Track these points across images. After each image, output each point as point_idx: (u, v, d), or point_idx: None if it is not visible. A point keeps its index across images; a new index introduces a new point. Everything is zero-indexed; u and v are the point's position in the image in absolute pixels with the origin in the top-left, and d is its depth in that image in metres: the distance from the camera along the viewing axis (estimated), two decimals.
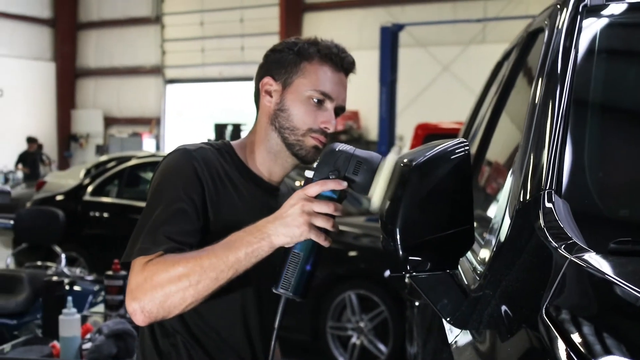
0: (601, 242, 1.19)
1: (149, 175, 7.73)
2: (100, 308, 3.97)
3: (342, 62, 1.67)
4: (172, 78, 22.42)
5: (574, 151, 1.47)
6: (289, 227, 1.44)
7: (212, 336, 1.66)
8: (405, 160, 1.33)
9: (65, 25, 23.01)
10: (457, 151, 1.33)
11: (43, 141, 19.87)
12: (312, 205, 1.44)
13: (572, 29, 1.67)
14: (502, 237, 1.48)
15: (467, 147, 1.35)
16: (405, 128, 13.44)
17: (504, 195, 1.66)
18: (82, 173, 10.83)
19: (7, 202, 4.52)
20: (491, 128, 2.42)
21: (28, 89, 22.15)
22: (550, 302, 1.08)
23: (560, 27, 1.72)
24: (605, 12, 1.75)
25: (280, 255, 1.49)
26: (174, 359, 1.65)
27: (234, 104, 20.55)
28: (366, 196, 1.45)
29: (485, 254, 1.62)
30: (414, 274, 1.32)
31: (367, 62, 11.89)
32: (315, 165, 1.52)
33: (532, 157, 1.50)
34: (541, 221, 1.30)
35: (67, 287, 4.18)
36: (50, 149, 21.46)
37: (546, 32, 1.81)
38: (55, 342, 3.38)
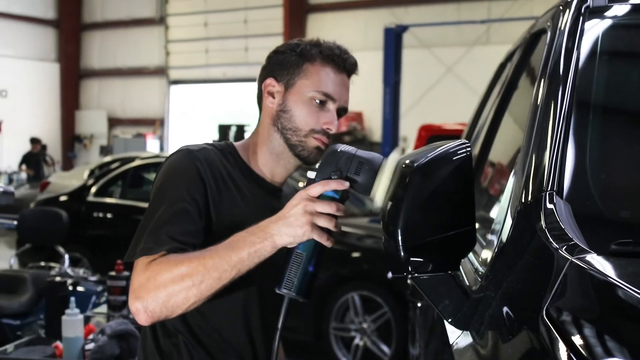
0: (602, 243, 1.19)
1: (152, 176, 7.74)
2: (104, 309, 3.97)
3: (344, 63, 1.68)
4: (176, 79, 22.44)
5: (576, 152, 1.47)
6: (291, 227, 1.45)
7: (214, 336, 1.66)
8: (407, 161, 1.33)
9: (70, 26, 23.06)
10: (458, 152, 1.33)
11: (47, 142, 19.91)
12: (314, 205, 1.45)
13: (575, 30, 1.67)
14: (504, 238, 1.48)
15: (469, 149, 1.35)
16: (409, 129, 13.43)
17: (505, 196, 1.66)
18: (86, 174, 10.84)
19: (10, 202, 4.52)
20: (494, 129, 2.41)
21: (32, 90, 22.19)
22: (551, 304, 1.08)
23: (562, 28, 1.72)
24: (607, 13, 1.75)
25: (283, 255, 1.49)
26: (175, 358, 1.65)
27: (238, 105, 20.57)
28: (368, 197, 1.45)
29: (486, 255, 1.62)
30: (416, 275, 1.32)
31: (371, 63, 11.89)
32: (317, 166, 1.53)
33: (533, 158, 1.50)
34: (542, 222, 1.31)
35: (70, 288, 4.19)
36: (54, 149, 21.51)
37: (549, 33, 1.81)
38: (58, 343, 3.39)
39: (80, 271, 5.03)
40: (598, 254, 1.16)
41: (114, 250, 4.17)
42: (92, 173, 10.42)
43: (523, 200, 1.45)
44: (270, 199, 1.72)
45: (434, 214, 1.31)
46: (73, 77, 23.38)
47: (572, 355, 0.95)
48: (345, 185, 1.46)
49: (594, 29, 1.70)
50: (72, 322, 3.30)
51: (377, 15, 17.58)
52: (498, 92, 2.54)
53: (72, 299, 3.39)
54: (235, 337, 1.68)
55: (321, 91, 1.64)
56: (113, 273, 3.67)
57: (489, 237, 1.69)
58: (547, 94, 1.60)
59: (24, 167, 17.18)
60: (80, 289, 4.42)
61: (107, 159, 12.13)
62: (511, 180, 1.65)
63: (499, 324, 1.26)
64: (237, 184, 1.68)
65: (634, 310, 1.00)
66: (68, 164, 21.53)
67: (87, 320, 3.58)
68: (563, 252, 1.18)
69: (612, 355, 0.95)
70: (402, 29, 12.55)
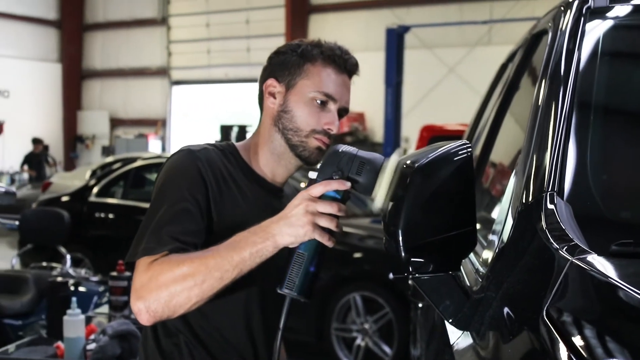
0: (603, 244, 1.19)
1: (154, 176, 7.71)
2: (105, 309, 3.97)
3: (345, 64, 1.68)
4: (177, 79, 22.45)
5: (577, 153, 1.47)
6: (293, 227, 1.45)
7: (215, 336, 1.67)
8: (408, 162, 1.33)
9: (72, 27, 23.07)
10: (459, 153, 1.33)
11: (49, 142, 19.93)
12: (316, 205, 1.45)
13: (576, 31, 1.67)
14: (505, 238, 1.48)
15: (470, 149, 1.35)
16: (410, 130, 13.43)
17: (506, 196, 1.66)
18: (87, 174, 10.86)
19: (12, 203, 4.52)
20: (495, 129, 2.42)
21: (34, 90, 22.21)
22: (551, 304, 1.08)
23: (563, 29, 1.72)
24: (609, 14, 1.75)
25: (285, 255, 1.49)
26: (176, 358, 1.65)
27: (240, 106, 20.58)
28: (369, 197, 1.45)
29: (487, 255, 1.62)
30: (416, 275, 1.32)
31: (373, 63, 11.91)
32: (318, 166, 1.53)
33: (534, 158, 1.50)
34: (543, 223, 1.31)
35: (71, 288, 4.20)
36: (56, 150, 21.53)
37: (550, 34, 1.81)
38: (59, 343, 3.39)
39: (82, 271, 5.04)
40: (599, 255, 1.16)
41: (116, 251, 4.18)
42: (94, 173, 10.44)
43: (524, 201, 1.45)
44: (271, 199, 1.73)
45: (435, 215, 1.31)
46: (75, 77, 23.40)
47: (573, 356, 0.95)
48: (347, 185, 1.47)
49: (595, 30, 1.70)
50: (74, 322, 3.31)
51: (378, 15, 17.58)
52: (499, 93, 2.54)
53: (74, 299, 3.40)
54: (237, 337, 1.69)
55: (322, 91, 1.65)
56: (114, 273, 3.67)
57: (490, 237, 1.69)
58: (548, 94, 1.60)
59: (25, 167, 17.19)
60: (81, 289, 4.42)
61: (109, 159, 12.14)
62: (512, 180, 1.65)
63: (499, 325, 1.26)
64: (238, 184, 1.68)
65: (634, 311, 1.00)
66: (70, 164, 21.56)
67: (88, 320, 3.59)
68: (564, 253, 1.18)
69: (612, 356, 0.95)
70: (404, 29, 12.56)
